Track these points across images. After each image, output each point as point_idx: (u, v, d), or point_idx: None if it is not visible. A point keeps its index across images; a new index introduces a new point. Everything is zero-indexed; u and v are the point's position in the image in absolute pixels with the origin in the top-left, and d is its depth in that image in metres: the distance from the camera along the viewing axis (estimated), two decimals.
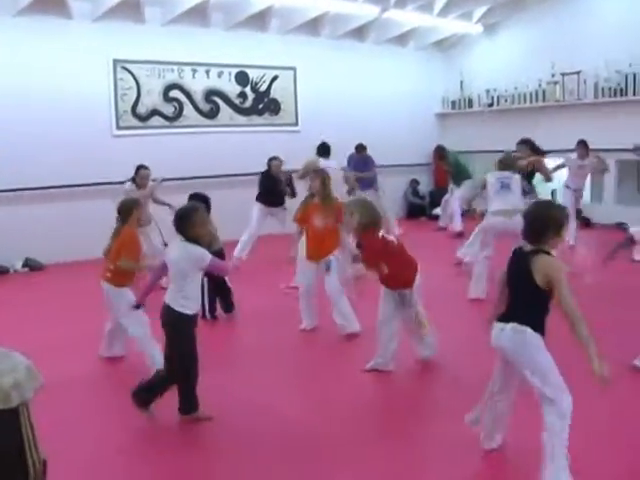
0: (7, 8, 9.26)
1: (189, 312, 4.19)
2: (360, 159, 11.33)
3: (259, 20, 11.52)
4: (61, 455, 3.24)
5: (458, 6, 12.47)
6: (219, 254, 6.09)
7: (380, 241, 4.86)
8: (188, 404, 4.27)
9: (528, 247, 3.35)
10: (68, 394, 4.71)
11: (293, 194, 9.51)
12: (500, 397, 3.58)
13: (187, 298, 4.16)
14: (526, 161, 8.20)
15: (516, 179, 7.22)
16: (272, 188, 9.46)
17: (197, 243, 4.17)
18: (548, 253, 3.29)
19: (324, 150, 9.79)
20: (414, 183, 14.21)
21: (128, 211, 5.22)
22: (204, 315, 6.43)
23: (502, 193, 7.14)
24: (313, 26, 12.25)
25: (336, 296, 6.03)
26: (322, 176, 6.19)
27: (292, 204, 8.72)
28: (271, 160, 9.55)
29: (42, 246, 9.55)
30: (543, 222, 3.33)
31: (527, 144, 8.65)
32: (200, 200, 6.09)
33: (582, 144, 9.84)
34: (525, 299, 3.34)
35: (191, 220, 4.19)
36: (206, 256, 4.17)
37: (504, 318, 3.42)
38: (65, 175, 9.80)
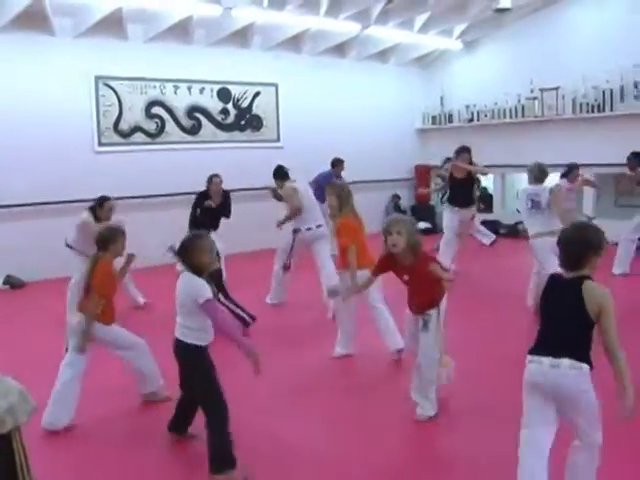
0: None
1: (200, 343, 3.88)
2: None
3: (241, 37, 11.58)
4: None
5: (438, 23, 12.62)
6: (217, 275, 6.02)
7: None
8: (221, 459, 3.72)
9: (569, 274, 3.14)
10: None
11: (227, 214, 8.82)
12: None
13: (193, 329, 3.87)
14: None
15: (545, 195, 7.01)
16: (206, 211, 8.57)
17: (199, 273, 3.89)
18: (591, 278, 3.09)
19: (284, 173, 8.40)
20: (395, 198, 14.29)
21: (106, 241, 4.82)
22: None
23: (532, 213, 7.07)
24: (295, 43, 12.33)
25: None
26: (337, 190, 5.97)
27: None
28: (212, 178, 8.74)
29: (23, 263, 9.48)
30: (581, 246, 3.12)
31: (469, 152, 9.14)
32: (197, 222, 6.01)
33: (574, 168, 9.52)
34: (576, 331, 3.08)
35: (191, 247, 3.91)
36: (203, 293, 3.81)
37: (548, 352, 3.12)
38: (47, 192, 9.75)
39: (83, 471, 4.00)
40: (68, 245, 7.53)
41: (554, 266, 6.94)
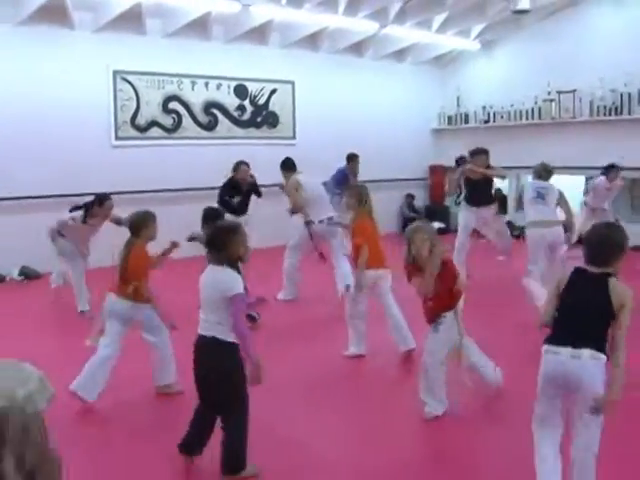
0: (9, 18, 9.31)
1: (236, 340, 3.64)
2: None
3: (259, 34, 11.61)
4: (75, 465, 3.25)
5: (456, 23, 12.59)
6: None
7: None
8: (235, 462, 3.66)
9: (594, 269, 3.23)
10: (78, 403, 4.71)
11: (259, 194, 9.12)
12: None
13: (225, 324, 3.62)
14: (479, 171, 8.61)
15: (553, 191, 7.20)
16: (234, 197, 8.82)
17: (233, 265, 3.71)
18: (616, 276, 3.22)
19: (291, 164, 8.59)
20: (409, 198, 14.28)
21: (138, 226, 4.95)
22: None
23: (536, 202, 7.19)
24: (312, 41, 12.35)
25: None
26: (358, 192, 6.04)
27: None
28: (239, 165, 8.90)
29: (39, 254, 9.53)
30: (613, 247, 3.25)
31: (485, 153, 8.85)
32: (214, 214, 6.10)
33: (614, 168, 9.86)
34: (598, 324, 3.16)
35: (223, 238, 3.71)
36: (236, 286, 3.60)
37: (568, 342, 3.18)
38: (64, 184, 9.82)
39: (97, 457, 4.04)
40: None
41: (539, 263, 7.04)
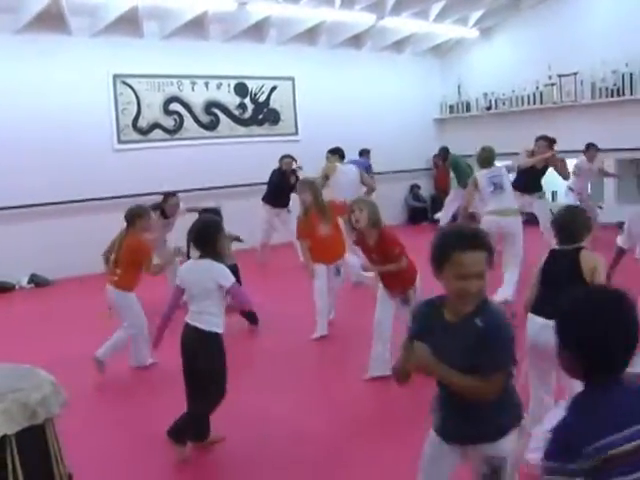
0: (7, 26, 9.33)
1: (219, 330, 3.97)
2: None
3: (257, 31, 11.59)
4: (87, 469, 3.27)
5: (454, 11, 12.54)
6: (233, 270, 6.11)
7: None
8: (201, 430, 4.06)
9: (566, 247, 3.65)
10: (90, 408, 4.72)
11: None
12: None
13: (215, 315, 3.96)
14: (537, 158, 8.30)
15: (506, 175, 7.20)
16: (281, 187, 9.71)
17: (218, 259, 3.97)
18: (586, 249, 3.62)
19: (338, 153, 9.61)
20: (415, 188, 14.26)
21: (132, 219, 5.44)
22: None
23: (496, 193, 7.06)
24: (310, 36, 12.33)
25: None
26: (312, 188, 6.35)
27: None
28: (283, 158, 9.88)
29: (48, 262, 9.57)
30: (579, 225, 3.69)
31: (546, 140, 8.63)
32: (213, 214, 6.17)
33: (593, 147, 10.02)
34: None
35: (212, 233, 4.01)
36: (229, 277, 3.95)
37: (543, 312, 3.46)
38: (68, 190, 9.84)
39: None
40: None
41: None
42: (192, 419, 3.97)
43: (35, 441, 2.33)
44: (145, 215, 5.51)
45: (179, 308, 4.23)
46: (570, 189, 10.13)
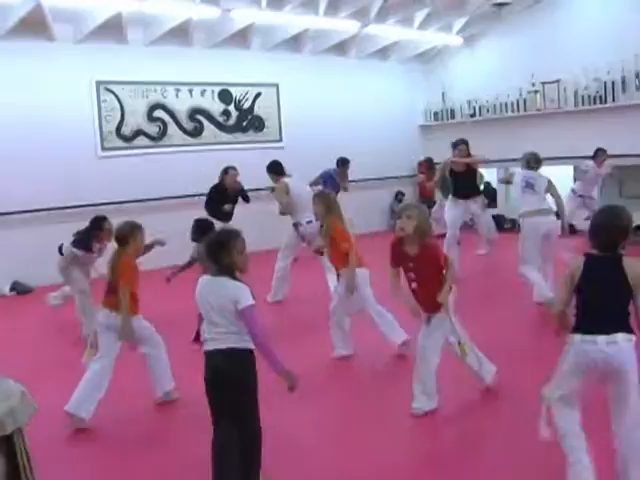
0: None
1: (252, 347, 3.44)
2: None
3: (241, 38, 11.60)
4: None
5: (438, 19, 12.61)
6: None
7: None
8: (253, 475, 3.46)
9: (604, 253, 3.28)
10: (64, 419, 4.68)
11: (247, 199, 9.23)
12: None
13: (242, 334, 3.42)
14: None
15: (541, 180, 7.15)
16: (222, 203, 8.76)
17: (233, 275, 3.49)
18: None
19: (279, 168, 8.60)
20: (399, 195, 14.28)
21: (125, 237, 4.93)
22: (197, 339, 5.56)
23: (526, 192, 7.15)
24: (295, 43, 12.34)
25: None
26: (325, 198, 6.04)
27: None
28: (227, 170, 8.93)
29: (30, 270, 9.51)
30: (620, 230, 3.29)
31: (466, 144, 8.97)
32: (206, 226, 6.08)
33: (601, 152, 10.31)
34: (621, 304, 3.20)
35: (230, 246, 3.48)
36: (246, 297, 3.41)
37: (599, 329, 3.20)
38: (52, 198, 9.79)
39: (97, 473, 4.02)
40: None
41: (533, 253, 7.04)
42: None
43: (3, 451, 2.30)
44: (137, 232, 4.99)
45: None
46: (573, 191, 10.40)
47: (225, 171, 8.91)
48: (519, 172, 7.43)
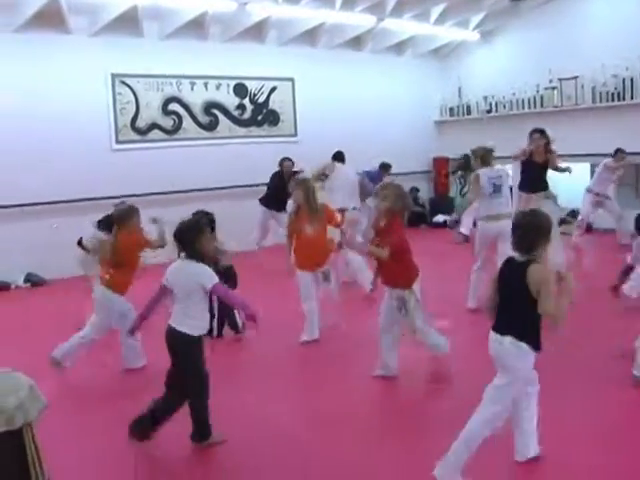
0: (6, 24, 9.31)
1: (194, 333, 4.01)
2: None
3: (256, 32, 11.57)
4: (67, 474, 3.23)
5: (454, 14, 12.52)
6: (229, 270, 6.12)
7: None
8: (202, 431, 4.10)
9: (520, 258, 3.38)
10: (74, 411, 4.68)
11: None
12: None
13: (193, 318, 4.00)
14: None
15: (505, 178, 7.02)
16: (280, 190, 9.45)
17: (202, 259, 4.00)
18: (538, 262, 3.33)
19: (340, 156, 9.57)
20: (414, 191, 14.20)
21: (124, 219, 5.44)
22: (210, 334, 5.81)
23: (494, 197, 6.89)
24: (310, 37, 12.30)
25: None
26: (305, 186, 6.28)
27: None
28: (283, 161, 9.95)
29: (44, 261, 9.55)
30: (534, 232, 3.35)
31: (543, 134, 8.00)
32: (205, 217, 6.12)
33: (620, 152, 10.18)
34: (520, 311, 3.36)
35: (196, 233, 4.04)
36: (211, 278, 3.97)
37: (496, 329, 3.46)
38: (66, 190, 9.82)
39: (107, 467, 4.02)
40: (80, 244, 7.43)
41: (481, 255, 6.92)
42: (196, 418, 4.07)
43: (12, 446, 2.29)
44: (134, 215, 5.51)
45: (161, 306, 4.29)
46: (588, 191, 10.27)
47: (281, 162, 10.01)
48: (482, 172, 6.98)
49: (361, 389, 5.07)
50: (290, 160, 10.00)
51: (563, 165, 8.16)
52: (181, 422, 4.10)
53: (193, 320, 3.99)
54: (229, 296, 4.21)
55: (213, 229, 5.61)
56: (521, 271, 3.28)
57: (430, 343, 5.06)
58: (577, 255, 9.72)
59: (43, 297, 9.00)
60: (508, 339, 3.36)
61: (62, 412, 4.41)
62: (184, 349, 4.00)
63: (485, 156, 7.14)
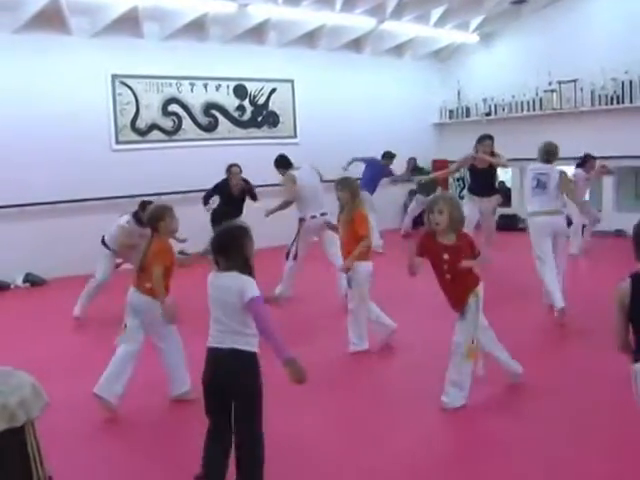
0: (6, 25, 9.32)
1: (257, 350, 3.34)
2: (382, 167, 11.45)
3: (257, 33, 11.59)
4: (69, 472, 3.24)
5: (454, 16, 12.55)
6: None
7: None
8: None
9: None
10: (75, 412, 4.69)
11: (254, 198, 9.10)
12: None
13: (251, 335, 3.32)
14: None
15: (554, 176, 6.70)
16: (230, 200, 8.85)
17: (245, 270, 3.35)
18: None
19: (286, 162, 8.51)
20: (413, 193, 14.21)
21: (156, 220, 4.84)
22: None
23: (536, 193, 6.80)
24: (310, 38, 12.32)
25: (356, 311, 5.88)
26: (351, 185, 5.99)
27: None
28: (231, 167, 8.97)
29: (43, 261, 9.56)
30: None
31: (492, 139, 8.81)
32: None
33: (591, 158, 9.89)
34: None
35: (242, 240, 3.39)
36: (252, 289, 3.28)
37: None
38: (66, 190, 9.82)
39: (112, 468, 4.03)
40: (104, 242, 7.37)
41: (545, 251, 6.73)
42: (256, 450, 3.34)
43: (14, 443, 2.30)
44: (167, 215, 4.87)
45: None
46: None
47: (228, 169, 9.00)
48: (530, 168, 7.04)
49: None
50: (238, 166, 9.08)
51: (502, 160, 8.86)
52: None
53: (253, 338, 3.35)
54: (267, 322, 3.31)
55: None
56: None
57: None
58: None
59: (42, 297, 9.00)
60: None
61: (65, 410, 4.42)
62: (251, 372, 3.34)
63: (539, 151, 7.02)
